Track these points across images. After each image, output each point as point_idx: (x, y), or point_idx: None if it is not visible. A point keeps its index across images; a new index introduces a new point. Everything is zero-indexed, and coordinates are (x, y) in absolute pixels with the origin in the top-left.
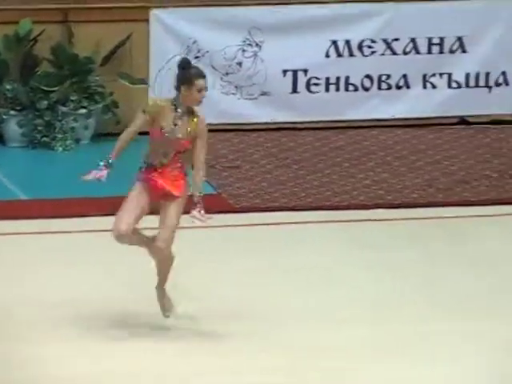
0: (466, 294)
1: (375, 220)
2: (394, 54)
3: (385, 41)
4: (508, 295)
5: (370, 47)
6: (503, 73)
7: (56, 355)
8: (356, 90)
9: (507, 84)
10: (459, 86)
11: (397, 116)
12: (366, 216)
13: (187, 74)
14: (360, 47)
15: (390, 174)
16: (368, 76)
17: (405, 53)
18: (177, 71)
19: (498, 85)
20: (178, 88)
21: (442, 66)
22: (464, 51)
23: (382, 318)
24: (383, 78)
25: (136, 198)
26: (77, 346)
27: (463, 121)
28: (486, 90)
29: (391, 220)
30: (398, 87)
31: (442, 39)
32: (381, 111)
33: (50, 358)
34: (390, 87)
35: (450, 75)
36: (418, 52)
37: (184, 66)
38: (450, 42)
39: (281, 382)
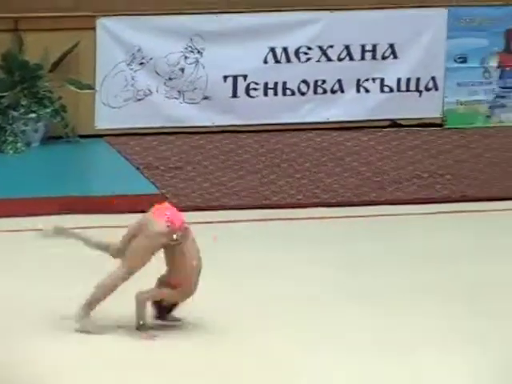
0: (390, 290)
1: (313, 218)
2: (329, 60)
3: (320, 48)
4: (431, 292)
5: (306, 54)
6: (432, 78)
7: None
8: (293, 94)
9: (436, 89)
10: (391, 91)
11: (332, 119)
12: (305, 214)
13: None
14: (297, 54)
15: (325, 174)
16: (304, 81)
17: (339, 59)
18: None
19: (427, 89)
20: None
21: (375, 72)
22: (395, 57)
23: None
24: (319, 82)
25: None
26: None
27: (395, 124)
28: (417, 94)
29: (328, 218)
30: (333, 92)
31: (374, 46)
32: (317, 115)
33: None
34: (325, 92)
35: (382, 80)
36: (351, 58)
37: None
38: (382, 48)
39: None
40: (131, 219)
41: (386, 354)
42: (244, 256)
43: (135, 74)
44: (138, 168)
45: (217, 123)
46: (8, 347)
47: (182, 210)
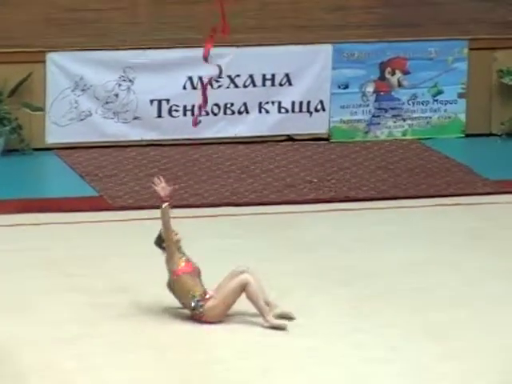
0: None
1: (222, 215)
2: (236, 86)
3: (229, 77)
4: (319, 276)
5: (217, 81)
6: (321, 101)
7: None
8: (207, 114)
9: (324, 110)
10: (287, 111)
11: (239, 135)
12: (214, 212)
13: None
14: (210, 82)
15: (233, 180)
16: (216, 104)
17: (245, 86)
18: None
19: (316, 110)
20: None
21: (274, 96)
22: (290, 84)
23: None
24: (228, 105)
25: None
26: None
27: (290, 138)
28: (308, 114)
29: (236, 215)
30: (240, 112)
31: (273, 75)
32: (226, 131)
33: None
34: (233, 112)
35: (279, 103)
36: (254, 85)
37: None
38: (279, 77)
39: None
40: (75, 217)
41: None
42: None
43: (78, 99)
44: (81, 175)
45: (145, 138)
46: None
47: (117, 209)
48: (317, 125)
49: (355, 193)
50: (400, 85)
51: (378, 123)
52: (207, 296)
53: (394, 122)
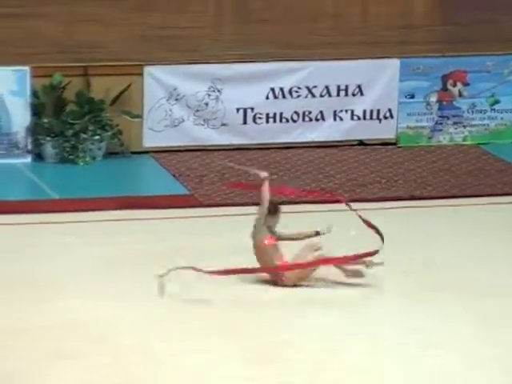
0: None
1: (306, 212)
2: (314, 96)
3: (307, 87)
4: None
5: (297, 92)
6: (389, 109)
7: None
8: (287, 121)
9: (392, 117)
10: (359, 119)
11: (316, 140)
12: (298, 209)
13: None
14: (290, 92)
15: (311, 180)
16: (296, 112)
17: (321, 96)
18: None
19: (385, 118)
20: None
21: (347, 105)
22: (362, 94)
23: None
24: (306, 113)
25: None
26: None
27: (362, 143)
28: (377, 121)
29: (314, 212)
30: (317, 119)
31: (346, 86)
32: (305, 136)
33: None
34: (311, 119)
35: (352, 111)
36: (330, 95)
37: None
38: (352, 88)
39: None
40: (169, 213)
41: None
42: None
43: (172, 107)
44: (174, 175)
45: (232, 143)
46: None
47: (207, 206)
48: (385, 131)
49: (420, 192)
50: (461, 95)
51: (441, 129)
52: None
53: (455, 129)
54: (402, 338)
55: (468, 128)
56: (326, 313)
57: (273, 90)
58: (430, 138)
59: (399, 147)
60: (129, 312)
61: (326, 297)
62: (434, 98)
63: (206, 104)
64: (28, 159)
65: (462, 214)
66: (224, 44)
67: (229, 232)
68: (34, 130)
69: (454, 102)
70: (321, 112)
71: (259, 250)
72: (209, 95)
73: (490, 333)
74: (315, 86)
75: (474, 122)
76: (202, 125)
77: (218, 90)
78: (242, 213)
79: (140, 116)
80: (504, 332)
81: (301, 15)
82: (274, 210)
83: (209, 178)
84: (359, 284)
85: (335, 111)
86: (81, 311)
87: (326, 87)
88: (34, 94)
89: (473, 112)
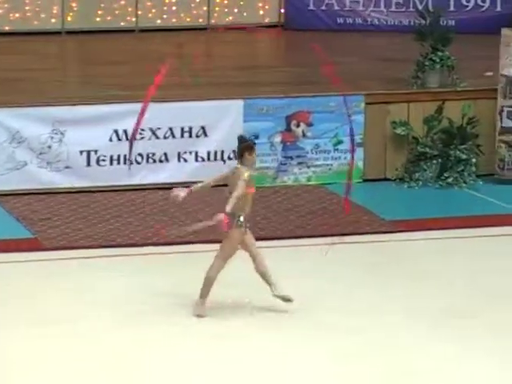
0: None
1: (147, 254)
2: (157, 138)
3: (151, 129)
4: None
5: (140, 134)
6: (233, 150)
7: None
8: (131, 164)
9: (236, 158)
10: (203, 160)
11: (160, 181)
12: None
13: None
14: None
15: (156, 221)
16: (140, 154)
17: (165, 137)
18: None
19: (230, 159)
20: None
21: (191, 146)
22: (206, 135)
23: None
24: (150, 155)
25: None
26: None
27: None
28: (222, 162)
29: (156, 254)
30: (161, 161)
31: (190, 127)
32: (149, 178)
33: None
34: (155, 161)
35: (196, 152)
36: (174, 137)
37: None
38: (196, 129)
39: None
40: (11, 257)
41: None
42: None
43: (15, 150)
44: (17, 219)
45: (76, 185)
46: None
47: (50, 249)
48: None
49: (264, 233)
50: (304, 135)
51: (285, 170)
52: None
53: (300, 169)
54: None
55: (312, 168)
56: None
57: (116, 131)
58: (274, 178)
59: None
60: None
61: None
62: (278, 139)
63: (49, 147)
64: None
65: (306, 255)
66: (67, 86)
67: (72, 275)
68: None
69: (298, 143)
70: (165, 154)
71: None
72: (52, 138)
73: None
74: (159, 128)
75: (317, 163)
76: (46, 168)
77: (61, 133)
78: (87, 255)
79: None
80: None
81: (144, 56)
82: None
83: (52, 221)
84: None
85: (179, 153)
86: None
87: (170, 129)
88: None
89: (316, 152)
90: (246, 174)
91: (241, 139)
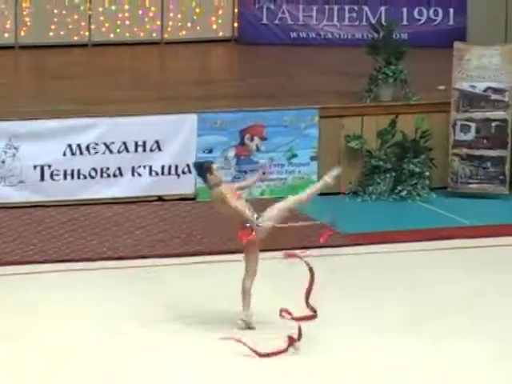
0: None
1: (104, 268)
2: (111, 152)
3: (105, 143)
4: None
5: (94, 148)
6: (187, 164)
7: None
8: (85, 178)
9: (190, 172)
10: (157, 174)
11: (114, 196)
12: (95, 266)
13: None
14: (87, 148)
15: (110, 237)
16: (94, 168)
17: (119, 152)
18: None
19: (184, 173)
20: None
21: (145, 161)
22: (160, 150)
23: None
24: (104, 169)
25: None
26: None
27: (160, 198)
28: (176, 176)
29: (114, 268)
30: (115, 176)
31: (144, 142)
32: (103, 193)
33: None
34: (109, 176)
35: (150, 167)
36: (128, 151)
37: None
38: (150, 143)
39: None
40: None
41: None
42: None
43: None
44: None
45: (29, 200)
46: None
47: (3, 264)
48: (184, 186)
49: (220, 247)
50: (258, 149)
51: None
52: None
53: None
54: None
55: (266, 182)
56: None
57: (70, 146)
58: None
59: (198, 202)
60: None
61: None
62: (232, 153)
63: (3, 161)
64: None
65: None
66: (21, 100)
67: (26, 290)
68: None
69: (252, 157)
70: (119, 168)
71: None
72: (5, 152)
73: None
74: (113, 142)
75: (271, 176)
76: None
77: (15, 148)
78: (41, 270)
79: None
80: None
81: (98, 71)
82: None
83: (6, 236)
84: None
85: (133, 167)
86: None
87: (124, 143)
88: None
89: (271, 166)
90: (222, 192)
91: (196, 166)
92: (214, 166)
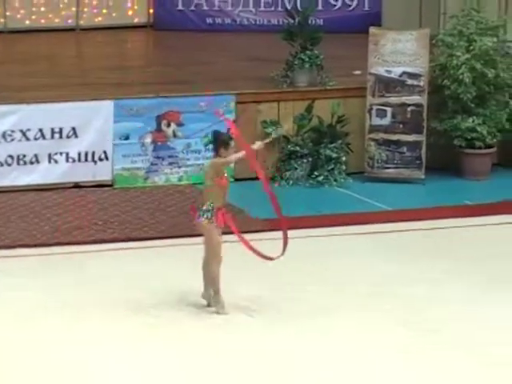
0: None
1: (18, 256)
2: (28, 139)
3: (21, 130)
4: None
5: (10, 135)
6: (104, 151)
7: None
8: (2, 165)
9: (107, 159)
10: (74, 161)
11: (31, 183)
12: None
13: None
14: (4, 136)
15: (27, 224)
16: (10, 156)
17: (35, 139)
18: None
19: (101, 160)
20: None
21: (62, 147)
22: (77, 137)
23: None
24: (20, 156)
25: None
26: None
27: (77, 185)
28: (93, 163)
29: (28, 256)
30: (31, 163)
31: (61, 129)
32: (20, 180)
33: None
34: (25, 163)
35: (67, 153)
36: (44, 138)
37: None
38: (66, 130)
39: None
40: None
41: None
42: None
43: None
44: None
45: None
46: None
47: None
48: (101, 173)
49: (137, 233)
50: (175, 135)
51: (156, 170)
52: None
53: (171, 169)
54: None
55: (183, 168)
56: None
57: None
58: (145, 179)
59: (115, 189)
60: None
61: None
62: (148, 139)
63: None
64: None
65: (185, 254)
66: None
67: None
68: None
69: (169, 143)
70: (35, 155)
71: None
72: None
73: None
74: (29, 129)
75: (189, 162)
76: None
77: None
78: None
79: None
80: None
81: (13, 58)
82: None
83: None
84: None
85: (50, 154)
86: None
87: (40, 130)
88: None
89: (188, 152)
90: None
91: (215, 134)
92: (232, 144)
